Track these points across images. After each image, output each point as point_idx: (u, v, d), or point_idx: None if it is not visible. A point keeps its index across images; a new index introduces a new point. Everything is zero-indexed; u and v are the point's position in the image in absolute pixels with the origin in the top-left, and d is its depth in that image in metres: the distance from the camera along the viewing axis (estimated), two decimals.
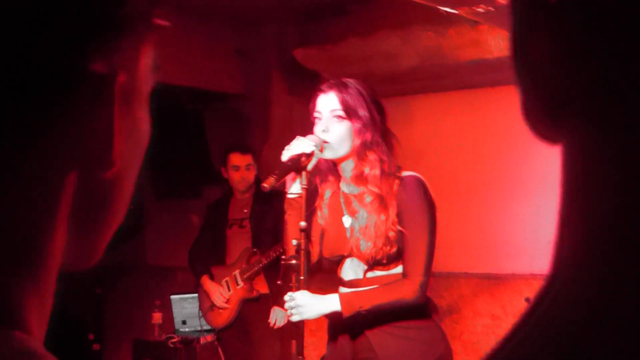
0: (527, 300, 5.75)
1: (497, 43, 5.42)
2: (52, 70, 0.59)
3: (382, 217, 3.09)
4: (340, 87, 3.18)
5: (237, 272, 5.62)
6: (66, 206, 0.63)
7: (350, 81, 3.22)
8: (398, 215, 3.11)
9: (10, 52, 0.58)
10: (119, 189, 0.67)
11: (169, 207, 7.44)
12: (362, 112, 3.13)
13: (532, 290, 5.76)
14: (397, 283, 3.12)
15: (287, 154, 3.12)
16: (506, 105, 6.20)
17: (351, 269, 3.23)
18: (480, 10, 3.74)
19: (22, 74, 0.59)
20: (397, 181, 3.15)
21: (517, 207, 6.18)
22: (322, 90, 3.23)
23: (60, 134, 0.60)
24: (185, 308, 6.50)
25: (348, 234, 3.21)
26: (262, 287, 5.62)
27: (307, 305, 3.13)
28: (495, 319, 5.99)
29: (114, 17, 0.61)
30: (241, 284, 5.62)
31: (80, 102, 0.61)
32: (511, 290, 5.95)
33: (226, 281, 5.67)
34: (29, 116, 0.59)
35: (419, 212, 3.12)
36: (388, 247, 3.09)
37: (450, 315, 6.12)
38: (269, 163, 6.26)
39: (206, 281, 5.70)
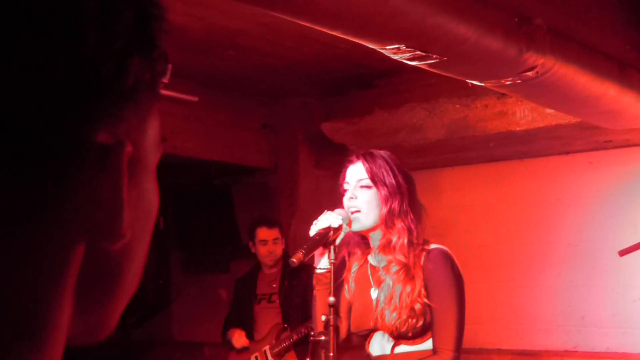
0: None
1: (524, 115, 5.42)
2: (56, 141, 0.58)
3: (408, 288, 3.06)
4: (367, 157, 3.22)
5: (267, 348, 5.56)
6: (72, 279, 0.61)
7: (379, 152, 3.26)
8: (425, 288, 3.07)
9: (12, 121, 0.56)
10: (128, 261, 0.66)
11: (197, 282, 7.42)
12: (389, 180, 3.15)
13: None
14: (428, 359, 3.06)
15: (314, 229, 3.10)
16: (533, 177, 6.19)
17: (379, 344, 3.18)
18: (507, 82, 3.74)
19: (25, 144, 0.57)
20: (424, 253, 3.12)
21: (549, 279, 6.09)
22: (350, 161, 3.26)
23: (66, 205, 0.59)
24: None
25: (374, 305, 3.17)
26: None
27: None
28: None
29: (119, 87, 0.60)
30: (271, 359, 5.55)
31: (86, 173, 0.59)
32: None
33: (255, 357, 5.61)
34: (34, 187, 0.58)
35: (447, 285, 3.09)
36: (414, 320, 3.05)
37: None
38: (296, 237, 6.25)
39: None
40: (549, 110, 5.12)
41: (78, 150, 0.58)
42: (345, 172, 3.27)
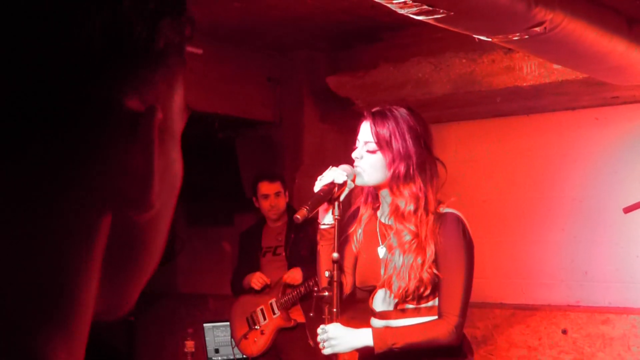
0: (564, 332, 5.65)
1: (530, 70, 5.37)
2: (86, 105, 0.56)
3: (419, 260, 3.04)
4: (377, 117, 3.14)
5: (273, 301, 5.59)
6: (100, 251, 0.59)
7: (393, 110, 3.16)
8: (435, 252, 3.06)
9: (43, 86, 0.55)
10: (154, 233, 0.64)
11: (201, 235, 7.44)
12: (395, 144, 3.07)
13: (569, 322, 5.67)
14: (432, 322, 3.07)
15: (319, 184, 3.09)
16: (539, 133, 6.16)
17: (381, 300, 3.19)
18: (515, 38, 3.69)
19: (56, 108, 0.55)
20: (436, 218, 3.09)
21: (553, 235, 6.09)
22: (364, 118, 3.20)
23: (95, 173, 0.57)
24: (217, 336, 6.47)
25: (382, 268, 3.16)
26: (298, 316, 5.58)
27: (339, 338, 3.09)
28: (531, 350, 5.88)
29: (148, 52, 0.59)
30: (278, 312, 5.59)
31: (116, 139, 0.58)
32: (547, 321, 5.85)
33: (261, 309, 5.64)
34: (63, 154, 0.56)
35: (457, 253, 3.07)
36: (422, 289, 3.05)
37: (485, 346, 6.03)
38: (301, 190, 6.25)
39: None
40: (556, 66, 5.07)
41: (108, 115, 0.57)
42: (359, 127, 3.21)
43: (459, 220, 3.12)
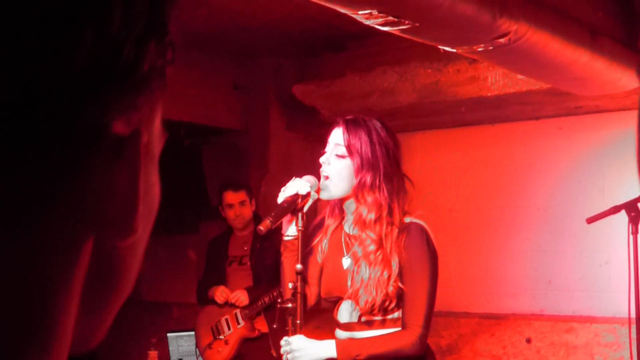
0: (528, 340, 5.69)
1: (495, 80, 5.41)
2: (71, 129, 0.55)
3: (385, 274, 3.04)
4: (349, 124, 3.15)
5: (237, 311, 5.56)
6: (81, 276, 0.58)
7: (365, 120, 3.17)
8: (399, 265, 3.05)
9: (29, 109, 0.54)
10: (131, 259, 0.63)
11: (166, 242, 7.38)
12: (365, 151, 3.08)
13: (533, 330, 5.70)
14: (396, 334, 3.06)
15: (282, 196, 3.07)
16: (504, 142, 6.20)
17: (347, 312, 3.18)
18: (479, 49, 3.71)
19: (42, 132, 0.54)
20: (400, 227, 3.09)
21: (517, 244, 6.13)
22: (337, 124, 3.20)
23: (78, 198, 0.56)
24: (181, 346, 6.41)
25: (349, 280, 3.15)
26: (262, 326, 5.55)
27: (303, 349, 3.08)
28: (495, 359, 5.91)
29: (134, 76, 0.58)
30: (242, 322, 5.56)
31: (102, 163, 0.57)
32: (512, 330, 5.87)
33: (226, 319, 5.62)
34: (45, 178, 0.55)
35: (421, 264, 3.07)
36: (387, 302, 3.05)
37: (450, 355, 6.04)
38: (267, 198, 6.23)
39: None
40: (520, 76, 5.10)
41: (93, 139, 0.55)
42: (329, 133, 3.21)
43: (423, 230, 3.13)
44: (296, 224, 3.10)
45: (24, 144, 0.53)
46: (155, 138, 0.63)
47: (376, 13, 3.20)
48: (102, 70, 0.55)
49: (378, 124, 3.16)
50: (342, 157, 3.12)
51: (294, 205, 3.04)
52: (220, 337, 5.63)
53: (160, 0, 0.60)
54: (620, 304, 5.03)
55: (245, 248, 5.70)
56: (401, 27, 3.37)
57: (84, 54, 0.54)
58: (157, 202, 0.65)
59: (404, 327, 3.06)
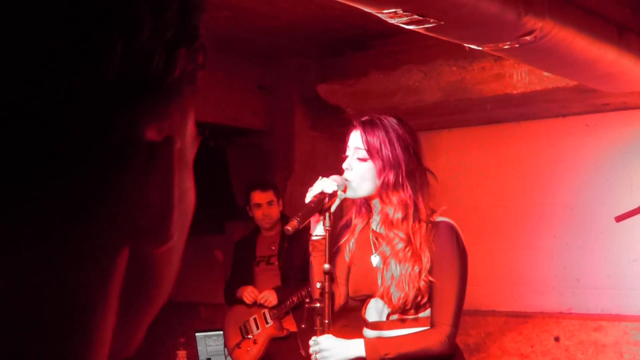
0: (556, 339, 5.65)
1: (520, 78, 5.37)
2: (106, 138, 0.55)
3: (417, 268, 3.03)
4: (367, 126, 3.14)
5: (266, 310, 5.58)
6: (117, 286, 0.58)
7: (382, 118, 3.16)
8: (430, 262, 3.05)
9: (62, 121, 0.54)
10: (167, 266, 0.62)
11: (192, 243, 7.36)
12: (385, 152, 3.08)
13: (561, 329, 5.66)
14: (425, 332, 3.06)
15: (309, 196, 3.07)
16: (530, 140, 6.16)
17: (375, 310, 3.17)
18: (505, 47, 3.69)
19: (76, 143, 0.54)
20: (429, 226, 3.08)
21: (544, 242, 6.09)
22: (354, 126, 3.19)
23: (114, 206, 0.56)
24: (210, 345, 6.43)
25: (379, 278, 3.14)
26: (291, 326, 5.56)
27: (331, 349, 3.08)
28: (524, 357, 5.88)
29: (165, 82, 0.58)
30: (270, 322, 5.58)
31: (135, 172, 0.56)
32: (540, 329, 5.84)
33: (254, 318, 5.63)
34: (81, 188, 0.55)
35: (450, 262, 3.06)
36: (419, 298, 3.05)
37: (477, 354, 6.02)
38: (293, 198, 6.24)
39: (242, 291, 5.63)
40: (546, 74, 5.07)
41: (128, 148, 0.55)
42: (349, 136, 3.21)
43: (452, 228, 3.12)
44: (323, 224, 3.09)
45: (59, 156, 0.53)
46: (188, 143, 0.63)
47: (401, 12, 3.20)
48: (133, 80, 0.55)
49: (395, 121, 3.15)
50: (364, 160, 3.11)
51: (321, 204, 3.04)
52: (249, 336, 5.65)
53: (190, 7, 0.60)
54: None
55: (273, 248, 5.71)
56: (426, 26, 3.36)
57: (114, 65, 0.54)
58: (192, 207, 0.65)
59: (432, 325, 3.06)
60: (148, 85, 0.56)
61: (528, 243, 6.15)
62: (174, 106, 0.59)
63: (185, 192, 0.62)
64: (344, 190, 3.11)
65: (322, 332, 3.10)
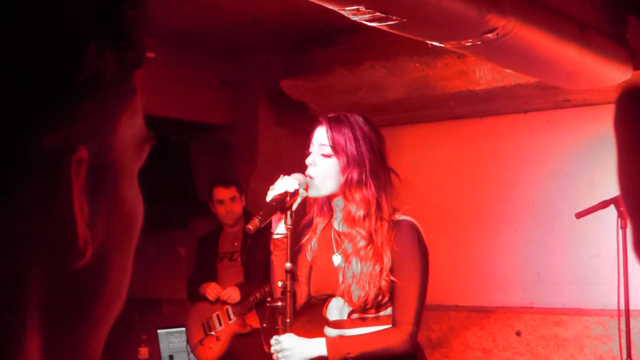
0: (517, 333, 5.69)
1: (483, 75, 5.40)
2: (1, 151, 0.50)
3: (377, 268, 3.03)
4: (333, 122, 3.14)
5: (229, 307, 5.55)
6: (34, 308, 0.54)
7: (348, 116, 3.16)
8: (391, 261, 3.05)
9: None
10: (104, 280, 0.59)
11: (155, 239, 7.35)
12: (350, 149, 3.08)
13: (522, 323, 5.71)
14: (387, 331, 3.06)
15: (271, 194, 3.06)
16: (492, 135, 6.19)
17: (336, 309, 3.17)
18: (467, 44, 3.70)
19: None
20: (390, 224, 3.08)
21: (506, 237, 6.13)
22: (319, 123, 3.19)
23: (14, 222, 0.52)
24: (172, 342, 6.38)
25: (340, 277, 3.14)
26: (254, 322, 5.55)
27: (293, 348, 3.07)
28: (486, 352, 5.91)
29: (72, 81, 0.52)
30: (233, 318, 5.55)
31: (34, 183, 0.52)
32: (502, 324, 5.88)
33: (217, 315, 5.60)
34: None
35: (412, 261, 3.06)
36: (380, 297, 3.04)
37: (440, 348, 6.05)
38: (256, 194, 6.20)
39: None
40: (508, 70, 5.09)
41: (26, 159, 0.51)
42: (313, 133, 3.20)
43: (414, 227, 3.12)
44: (285, 222, 3.08)
45: None
46: (124, 149, 0.58)
47: (363, 9, 3.19)
48: (29, 79, 0.50)
49: (361, 120, 3.16)
50: (328, 156, 3.11)
51: (282, 203, 3.03)
52: (212, 333, 5.62)
53: (113, 6, 0.55)
54: (609, 296, 5.05)
55: (236, 244, 5.69)
56: (389, 23, 3.35)
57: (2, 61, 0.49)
58: (137, 216, 0.61)
59: (394, 324, 3.06)
60: (47, 87, 0.51)
61: (490, 238, 6.18)
62: (85, 110, 0.54)
63: (122, 201, 0.58)
64: (306, 189, 3.10)
65: (284, 331, 3.10)
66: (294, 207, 3.09)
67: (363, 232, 3.07)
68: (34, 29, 0.50)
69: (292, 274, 3.09)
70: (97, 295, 0.59)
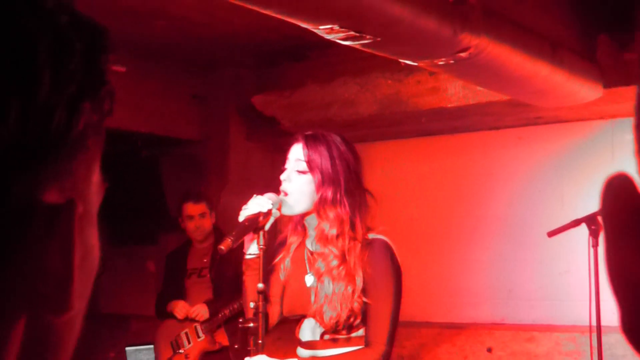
0: (489, 350, 5.70)
1: (455, 92, 5.41)
2: (1, 206, 0.50)
3: (350, 289, 3.01)
4: (309, 140, 3.13)
5: (197, 324, 5.50)
6: (13, 357, 0.54)
7: (325, 135, 3.15)
8: (364, 281, 3.03)
9: None
10: (70, 330, 0.58)
11: (124, 254, 7.28)
12: (325, 166, 3.07)
13: (494, 340, 5.71)
14: (359, 352, 3.03)
15: (243, 214, 3.02)
16: (464, 152, 6.21)
17: (309, 330, 3.14)
18: (440, 62, 3.70)
19: None
20: (363, 243, 3.07)
21: (478, 253, 6.14)
22: (296, 140, 3.17)
23: (9, 275, 0.52)
24: None
25: (312, 297, 3.11)
26: (223, 339, 5.50)
27: None
28: None
29: (68, 139, 0.53)
30: (202, 336, 5.50)
31: (34, 238, 0.52)
32: (473, 340, 5.88)
33: (186, 333, 5.55)
34: None
35: (385, 281, 3.05)
36: (352, 319, 3.02)
37: None
38: (227, 210, 6.17)
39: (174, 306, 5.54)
40: (480, 87, 5.11)
41: (26, 213, 0.51)
42: (289, 149, 3.18)
43: (387, 247, 3.10)
44: (258, 243, 3.05)
45: None
46: (93, 196, 0.58)
47: (337, 28, 3.18)
48: (32, 142, 0.50)
49: (338, 139, 3.15)
50: (303, 172, 3.10)
51: (255, 223, 3.00)
52: (180, 351, 5.56)
53: (95, 50, 0.55)
54: (580, 312, 5.06)
55: (205, 260, 5.65)
56: (363, 42, 3.35)
57: (11, 122, 0.49)
58: (97, 264, 0.61)
59: (367, 344, 3.03)
60: (49, 146, 0.51)
61: (462, 254, 6.19)
62: (77, 162, 0.54)
63: (90, 249, 0.58)
64: (279, 208, 3.07)
65: (256, 353, 3.05)
66: (267, 227, 3.06)
67: (335, 251, 3.05)
68: (46, 88, 0.51)
69: (264, 295, 3.06)
70: (64, 345, 0.59)
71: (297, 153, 3.13)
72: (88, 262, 0.58)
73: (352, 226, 3.07)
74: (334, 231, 3.06)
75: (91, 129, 0.55)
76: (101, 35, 0.56)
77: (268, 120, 6.23)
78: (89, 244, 0.58)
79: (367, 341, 3.04)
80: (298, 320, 3.20)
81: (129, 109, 6.04)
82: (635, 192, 0.53)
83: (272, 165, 3.34)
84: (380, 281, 3.05)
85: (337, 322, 3.02)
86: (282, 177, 3.14)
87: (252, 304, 3.05)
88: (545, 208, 5.87)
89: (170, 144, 6.76)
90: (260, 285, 3.03)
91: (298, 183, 3.09)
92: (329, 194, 3.06)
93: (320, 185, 3.07)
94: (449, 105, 5.46)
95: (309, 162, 3.09)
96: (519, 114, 5.66)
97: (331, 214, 3.06)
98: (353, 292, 3.01)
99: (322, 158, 3.08)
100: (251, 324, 3.05)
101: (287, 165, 3.16)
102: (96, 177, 0.59)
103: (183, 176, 6.73)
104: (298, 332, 3.20)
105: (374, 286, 3.04)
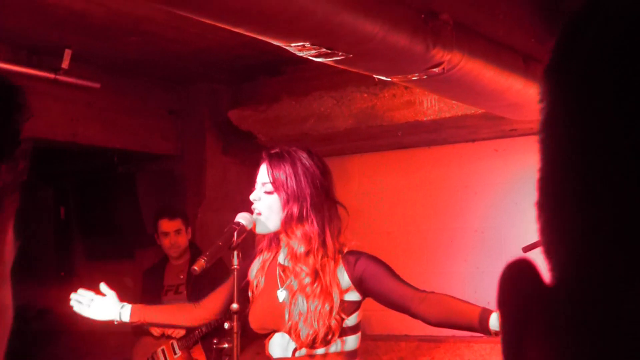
0: None
1: (431, 105, 5.43)
2: None
3: (327, 307, 3.00)
4: (274, 158, 3.13)
5: (174, 341, 5.47)
6: None
7: (291, 151, 3.15)
8: (360, 280, 3.02)
9: None
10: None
11: (101, 269, 7.22)
12: (291, 184, 3.07)
13: (472, 353, 5.71)
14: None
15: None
16: (440, 164, 6.22)
17: (279, 346, 3.12)
18: (414, 78, 3.71)
19: None
20: (339, 259, 3.07)
21: (455, 266, 6.14)
22: (262, 159, 3.17)
23: None
24: None
25: (286, 313, 3.09)
26: (200, 356, 5.47)
27: None
28: None
29: None
30: (179, 352, 5.47)
31: None
32: (452, 353, 5.87)
33: (162, 350, 5.51)
34: None
35: (376, 266, 3.09)
36: (329, 336, 3.01)
37: None
38: (204, 225, 6.15)
39: None
40: (455, 101, 5.13)
41: None
42: (258, 168, 3.19)
43: (362, 252, 3.15)
44: (232, 262, 3.04)
45: None
46: (7, 254, 0.57)
47: (309, 45, 3.18)
48: None
49: (304, 154, 3.15)
50: (270, 193, 3.11)
51: (229, 242, 2.99)
52: None
53: (8, 116, 0.54)
54: None
55: (182, 277, 5.62)
56: (335, 59, 3.35)
57: None
58: (9, 325, 0.59)
59: (411, 300, 3.10)
60: None
61: (440, 267, 6.19)
62: None
63: (4, 310, 0.56)
64: (253, 228, 3.08)
65: None
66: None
67: (306, 269, 3.05)
68: None
69: (239, 315, 3.05)
70: None
71: (262, 175, 3.15)
72: (2, 322, 0.57)
73: (323, 243, 3.08)
74: (302, 249, 3.07)
75: (6, 190, 0.54)
76: (15, 94, 0.55)
77: (244, 135, 6.22)
78: (3, 304, 0.56)
79: (409, 301, 3.10)
80: (267, 335, 3.19)
81: (104, 125, 6.01)
82: (538, 282, 0.50)
83: (249, 180, 3.32)
84: (371, 269, 3.09)
85: (314, 339, 3.01)
86: (252, 197, 3.15)
87: (226, 325, 3.04)
88: (522, 220, 5.87)
89: (146, 160, 6.72)
90: (235, 306, 3.02)
91: (267, 202, 3.11)
92: (295, 211, 3.06)
93: (286, 203, 3.08)
94: (425, 119, 5.47)
95: (274, 183, 3.10)
96: (494, 127, 5.68)
97: (298, 232, 3.07)
98: (331, 309, 3.00)
99: (287, 176, 3.09)
100: (225, 345, 3.04)
101: (255, 187, 3.17)
102: (9, 236, 0.57)
103: (159, 192, 6.69)
104: (267, 349, 3.18)
105: (375, 279, 3.07)
